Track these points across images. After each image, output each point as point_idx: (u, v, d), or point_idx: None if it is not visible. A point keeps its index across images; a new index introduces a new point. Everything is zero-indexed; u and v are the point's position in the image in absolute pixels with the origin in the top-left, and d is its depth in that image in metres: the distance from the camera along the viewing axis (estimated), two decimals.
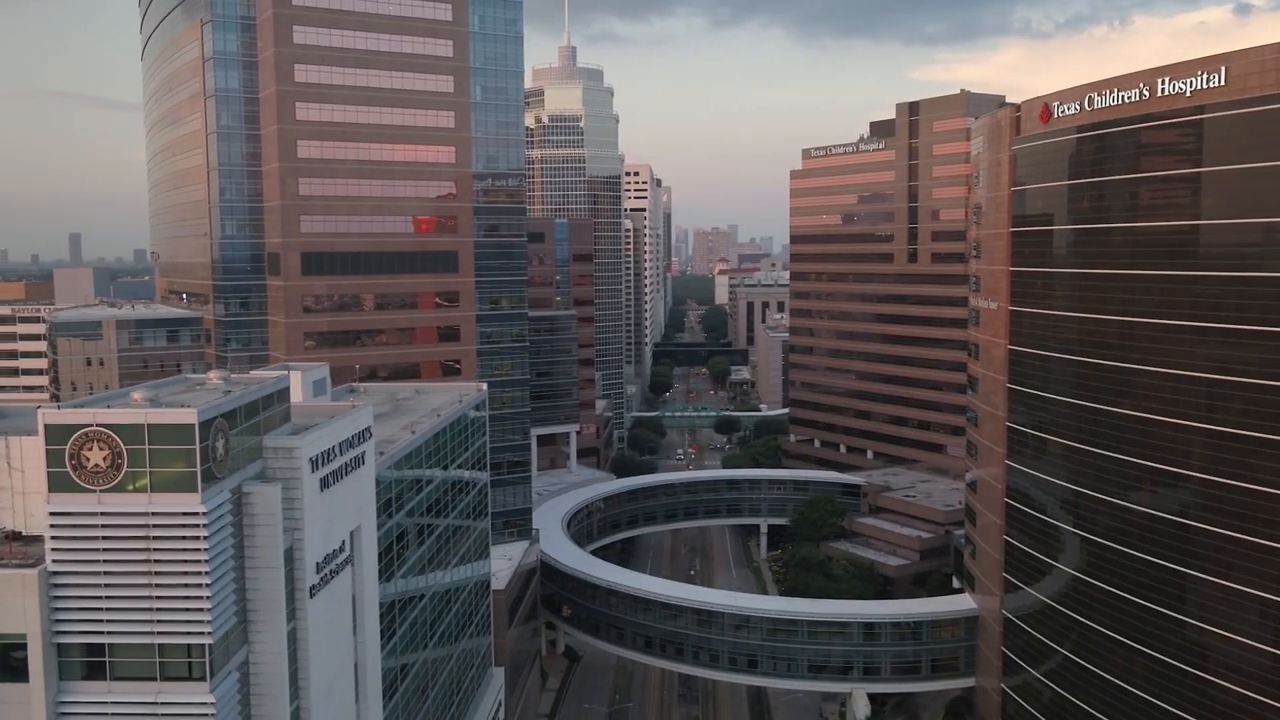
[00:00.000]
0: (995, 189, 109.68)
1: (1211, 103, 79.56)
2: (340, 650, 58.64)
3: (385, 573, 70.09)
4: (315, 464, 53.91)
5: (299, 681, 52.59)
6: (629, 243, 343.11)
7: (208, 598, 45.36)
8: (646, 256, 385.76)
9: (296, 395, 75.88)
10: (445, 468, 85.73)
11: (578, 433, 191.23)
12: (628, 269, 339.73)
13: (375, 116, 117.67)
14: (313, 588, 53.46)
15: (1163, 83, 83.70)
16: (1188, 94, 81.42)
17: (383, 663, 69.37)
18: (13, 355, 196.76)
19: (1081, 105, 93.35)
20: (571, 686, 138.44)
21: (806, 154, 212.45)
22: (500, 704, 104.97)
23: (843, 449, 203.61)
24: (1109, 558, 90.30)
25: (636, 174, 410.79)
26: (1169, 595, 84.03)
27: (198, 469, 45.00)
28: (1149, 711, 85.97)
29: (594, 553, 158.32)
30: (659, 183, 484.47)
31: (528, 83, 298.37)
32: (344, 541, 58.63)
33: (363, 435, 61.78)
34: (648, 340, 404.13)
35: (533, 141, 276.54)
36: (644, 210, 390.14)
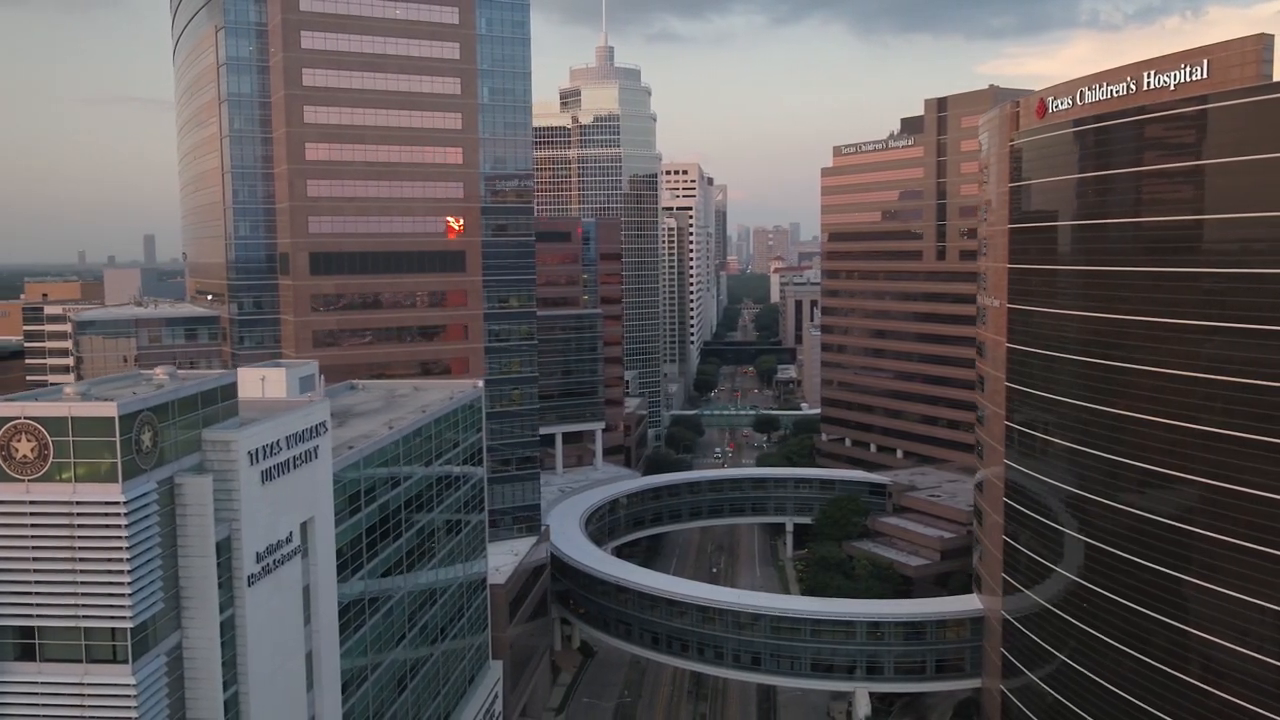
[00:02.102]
0: (998, 185, 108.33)
1: (1194, 95, 77.87)
2: (287, 639, 60.17)
3: (353, 565, 71.66)
4: (255, 457, 55.51)
5: (236, 667, 54.29)
6: (671, 241, 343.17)
7: (128, 584, 47.16)
8: (693, 255, 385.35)
9: (280, 391, 78.00)
10: (428, 463, 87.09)
11: (605, 430, 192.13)
12: (670, 267, 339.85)
13: (383, 119, 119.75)
14: (251, 576, 55.06)
15: (1148, 76, 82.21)
16: (1171, 87, 79.89)
17: (353, 654, 70.98)
18: (64, 354, 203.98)
19: (1073, 100, 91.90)
20: (583, 682, 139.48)
21: (837, 151, 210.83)
22: (497, 696, 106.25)
23: (873, 448, 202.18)
24: (1105, 561, 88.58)
25: (684, 172, 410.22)
26: (1165, 601, 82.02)
27: (118, 460, 46.82)
28: None
29: (617, 549, 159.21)
30: (709, 181, 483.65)
31: (565, 83, 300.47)
32: (292, 532, 60.17)
33: (316, 430, 63.30)
34: (694, 338, 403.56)
35: (570, 141, 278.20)
36: (690, 209, 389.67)
